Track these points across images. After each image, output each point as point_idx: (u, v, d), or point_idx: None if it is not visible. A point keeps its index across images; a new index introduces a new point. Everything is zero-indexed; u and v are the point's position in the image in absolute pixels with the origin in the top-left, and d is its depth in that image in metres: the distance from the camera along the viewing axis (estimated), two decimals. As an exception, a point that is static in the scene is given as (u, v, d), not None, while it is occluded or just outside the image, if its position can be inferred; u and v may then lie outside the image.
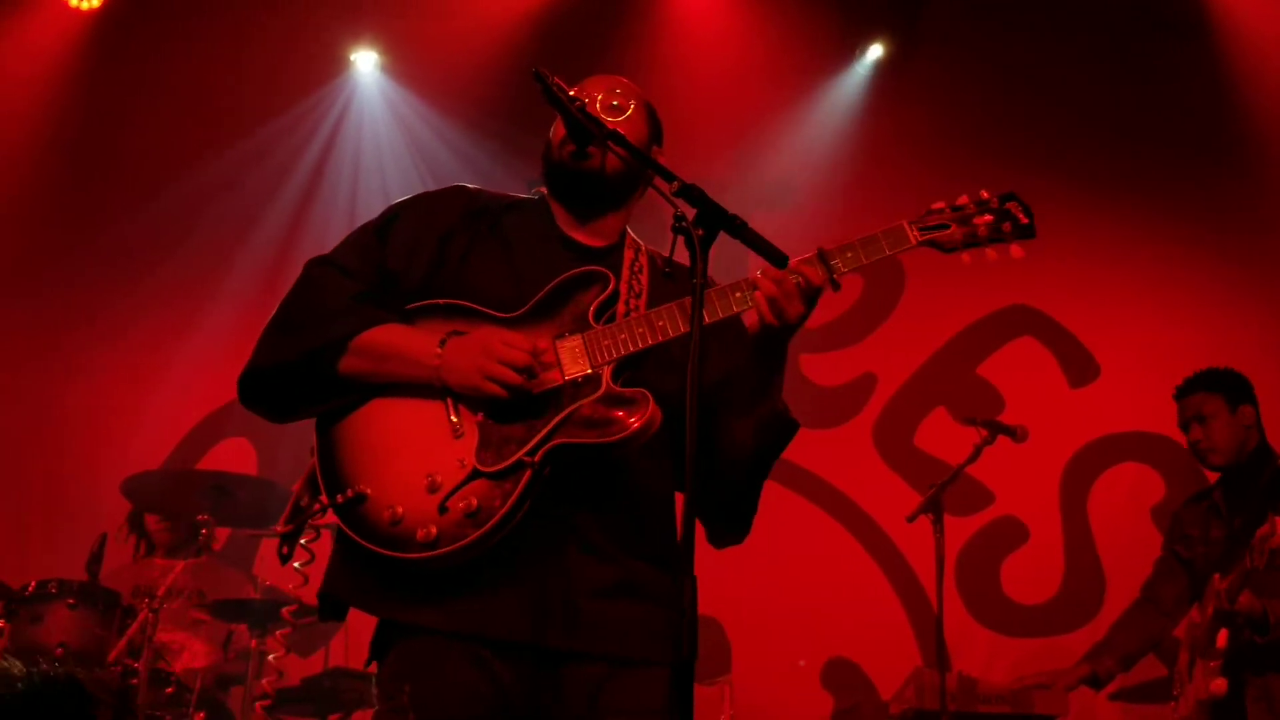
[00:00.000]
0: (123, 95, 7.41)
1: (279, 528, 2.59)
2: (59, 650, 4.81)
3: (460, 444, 2.46)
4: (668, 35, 7.26)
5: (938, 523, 4.97)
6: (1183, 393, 5.11)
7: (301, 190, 7.42)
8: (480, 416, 2.47)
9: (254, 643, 5.31)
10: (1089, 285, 6.91)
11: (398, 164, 7.49)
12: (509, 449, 2.43)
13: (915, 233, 2.63)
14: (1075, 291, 6.92)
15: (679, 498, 2.66)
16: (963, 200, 2.65)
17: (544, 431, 2.43)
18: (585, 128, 2.52)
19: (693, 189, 2.28)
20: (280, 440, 6.95)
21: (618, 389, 2.46)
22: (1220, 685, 4.41)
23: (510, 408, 2.46)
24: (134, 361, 7.23)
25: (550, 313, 2.57)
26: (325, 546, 2.64)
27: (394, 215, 2.77)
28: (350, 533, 2.47)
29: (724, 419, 2.59)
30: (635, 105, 2.78)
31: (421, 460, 2.46)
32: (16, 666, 1.43)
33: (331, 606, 2.60)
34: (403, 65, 7.57)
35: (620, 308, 2.57)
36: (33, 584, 5.00)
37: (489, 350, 2.46)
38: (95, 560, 5.04)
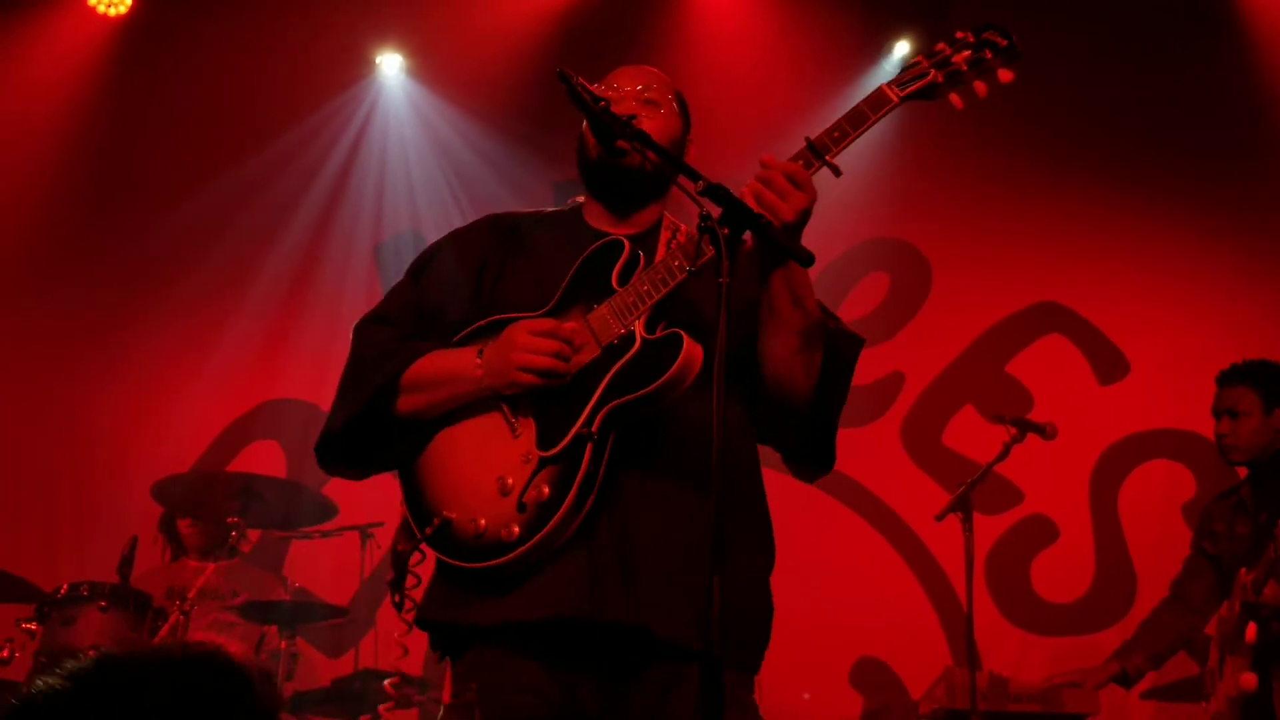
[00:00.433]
0: (149, 101, 7.44)
1: (386, 580, 2.64)
2: (91, 653, 4.82)
3: (521, 441, 2.49)
4: (692, 35, 7.25)
5: (967, 521, 4.95)
6: (1226, 379, 5.06)
7: (327, 194, 7.44)
8: (535, 410, 2.49)
9: (284, 644, 5.34)
10: (1117, 282, 6.87)
11: (423, 166, 7.50)
12: (566, 428, 2.44)
13: (896, 90, 2.54)
14: (1104, 288, 6.88)
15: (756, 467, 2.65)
16: (939, 46, 2.58)
17: (593, 401, 2.44)
18: (610, 128, 2.52)
19: (718, 188, 2.27)
20: (309, 443, 6.98)
21: (651, 338, 2.46)
22: (1249, 680, 4.39)
23: (559, 392, 2.47)
24: (164, 366, 7.27)
25: (578, 295, 2.58)
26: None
27: (429, 256, 2.83)
28: (446, 559, 2.50)
29: (764, 345, 2.55)
30: (669, 99, 2.78)
31: (491, 468, 2.49)
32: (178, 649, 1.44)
33: (438, 637, 2.59)
34: (427, 67, 7.58)
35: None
36: (64, 587, 5.03)
37: (515, 343, 2.49)
38: (126, 563, 5.07)
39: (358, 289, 7.35)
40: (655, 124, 2.66)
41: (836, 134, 2.49)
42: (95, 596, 4.95)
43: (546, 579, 2.41)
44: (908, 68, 2.56)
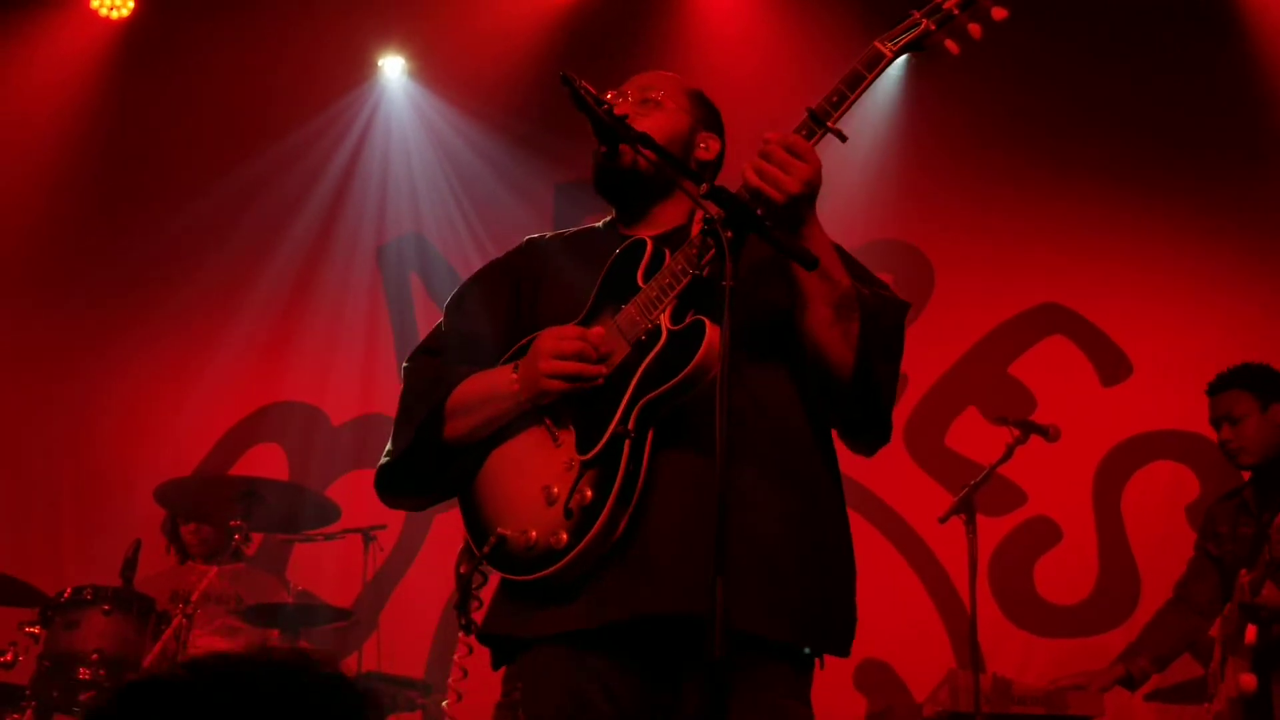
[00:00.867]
0: (152, 103, 7.45)
1: (453, 604, 2.64)
2: (94, 656, 4.84)
3: (563, 449, 2.50)
4: (693, 37, 7.25)
5: (970, 523, 4.95)
6: (1215, 389, 5.07)
7: (330, 196, 7.44)
8: (573, 416, 2.50)
9: (287, 647, 5.33)
10: (1120, 283, 6.86)
11: (425, 168, 7.50)
12: (602, 430, 2.44)
13: (888, 45, 2.52)
14: (1106, 289, 6.87)
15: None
16: None
17: (626, 399, 2.43)
18: (612, 130, 2.53)
19: (721, 190, 2.27)
20: (311, 446, 6.99)
21: (676, 329, 2.44)
22: (1249, 681, 4.39)
23: (594, 396, 2.48)
24: (166, 369, 7.27)
25: (607, 299, 2.58)
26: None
27: (465, 288, 2.86)
28: (504, 575, 2.51)
29: (799, 322, 2.53)
30: (673, 98, 2.78)
31: (536, 480, 2.50)
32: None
33: (499, 650, 2.60)
34: (430, 70, 7.59)
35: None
36: (68, 590, 5.03)
37: (541, 351, 2.50)
38: (129, 566, 5.07)
39: (360, 291, 7.36)
40: (649, 123, 2.65)
41: (835, 98, 2.48)
42: (98, 600, 4.95)
43: (606, 584, 2.41)
44: (899, 22, 2.54)
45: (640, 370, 2.45)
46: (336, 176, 7.47)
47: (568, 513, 2.43)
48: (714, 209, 2.27)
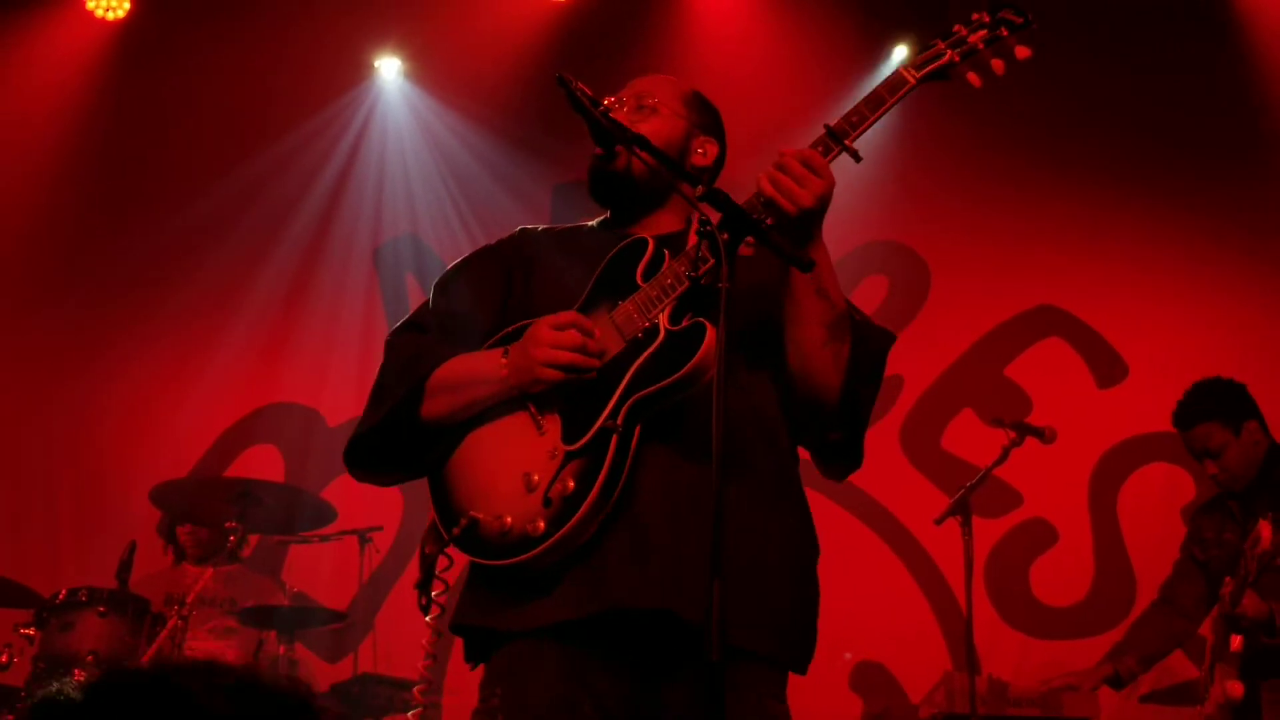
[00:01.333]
0: (148, 105, 7.44)
1: (415, 584, 2.63)
2: (89, 658, 4.84)
3: (547, 438, 2.48)
4: (691, 38, 7.25)
5: (966, 525, 4.95)
6: (1182, 424, 5.10)
7: (326, 198, 7.44)
8: (560, 406, 2.49)
9: (283, 649, 5.33)
10: (1116, 285, 6.86)
11: (422, 169, 7.50)
12: (590, 422, 2.43)
13: (912, 73, 2.57)
14: (1103, 291, 6.88)
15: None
16: (955, 28, 2.60)
17: (618, 393, 2.43)
18: (608, 132, 2.53)
19: (718, 193, 2.27)
20: (307, 447, 6.99)
21: (676, 330, 2.45)
22: (1236, 689, 4.41)
23: (585, 388, 2.47)
24: (162, 370, 7.26)
25: (603, 295, 2.58)
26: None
27: (459, 268, 2.84)
28: (473, 559, 2.48)
29: (788, 337, 2.54)
30: (668, 102, 2.78)
31: (516, 465, 2.48)
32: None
33: (471, 643, 2.59)
34: (426, 71, 7.58)
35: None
36: (63, 592, 5.02)
37: (538, 339, 2.48)
38: (125, 568, 5.06)
39: (356, 293, 7.35)
40: (644, 129, 2.64)
41: (854, 118, 2.51)
42: (94, 602, 4.94)
43: (581, 577, 2.40)
44: (924, 49, 2.58)
45: (635, 367, 2.45)
46: (333, 178, 7.47)
47: (547, 501, 2.41)
48: (708, 211, 2.28)
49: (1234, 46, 6.85)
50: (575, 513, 2.37)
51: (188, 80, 7.37)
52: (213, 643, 5.45)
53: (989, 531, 6.40)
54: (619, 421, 2.41)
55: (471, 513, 2.48)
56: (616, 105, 2.71)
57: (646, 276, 2.54)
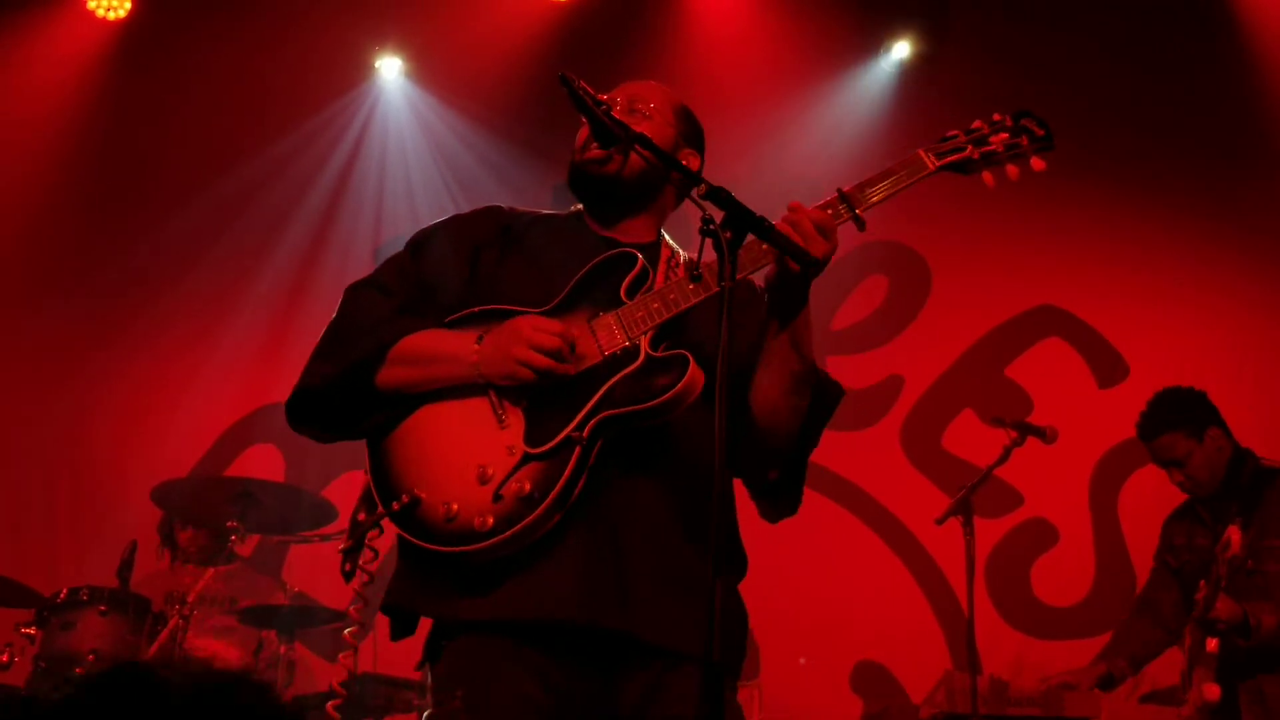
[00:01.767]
0: (148, 104, 7.44)
1: (341, 546, 2.61)
2: (90, 657, 4.84)
3: (507, 432, 2.48)
4: (691, 36, 7.25)
5: (967, 525, 4.95)
6: (1146, 435, 5.16)
7: (327, 197, 7.44)
8: (525, 404, 2.49)
9: (283, 649, 5.32)
10: (1117, 285, 6.87)
11: (422, 169, 7.50)
12: (556, 429, 2.44)
13: (932, 159, 2.61)
14: (1103, 291, 6.88)
15: (737, 485, 2.68)
16: (976, 124, 2.66)
17: (588, 407, 2.44)
18: (611, 131, 2.53)
19: (721, 191, 2.28)
20: (308, 447, 6.96)
21: (657, 355, 2.47)
22: (1213, 691, 4.47)
23: (553, 391, 2.47)
24: (162, 370, 7.26)
25: (582, 299, 2.59)
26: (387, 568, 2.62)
27: (429, 234, 2.81)
28: (409, 538, 2.47)
29: (756, 380, 2.58)
30: (661, 110, 2.80)
31: (471, 454, 2.47)
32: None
33: (399, 621, 2.59)
34: (427, 71, 7.59)
35: (657, 288, 2.57)
36: (64, 591, 5.03)
37: (519, 336, 2.48)
38: (126, 567, 5.07)
39: (357, 292, 7.34)
40: (643, 132, 2.64)
41: (869, 190, 2.56)
42: (94, 601, 4.95)
43: (537, 580, 2.41)
44: (945, 139, 2.63)
45: (609, 383, 2.46)
46: (333, 177, 7.47)
47: (497, 497, 2.41)
48: (700, 209, 2.30)
49: (1234, 46, 6.85)
50: (527, 516, 2.38)
51: (188, 80, 7.37)
52: (213, 642, 5.45)
53: (990, 531, 6.40)
54: (584, 434, 2.42)
55: (416, 491, 2.47)
56: (609, 105, 2.72)
57: (630, 292, 2.55)
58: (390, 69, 7.56)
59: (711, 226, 2.25)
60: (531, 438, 2.45)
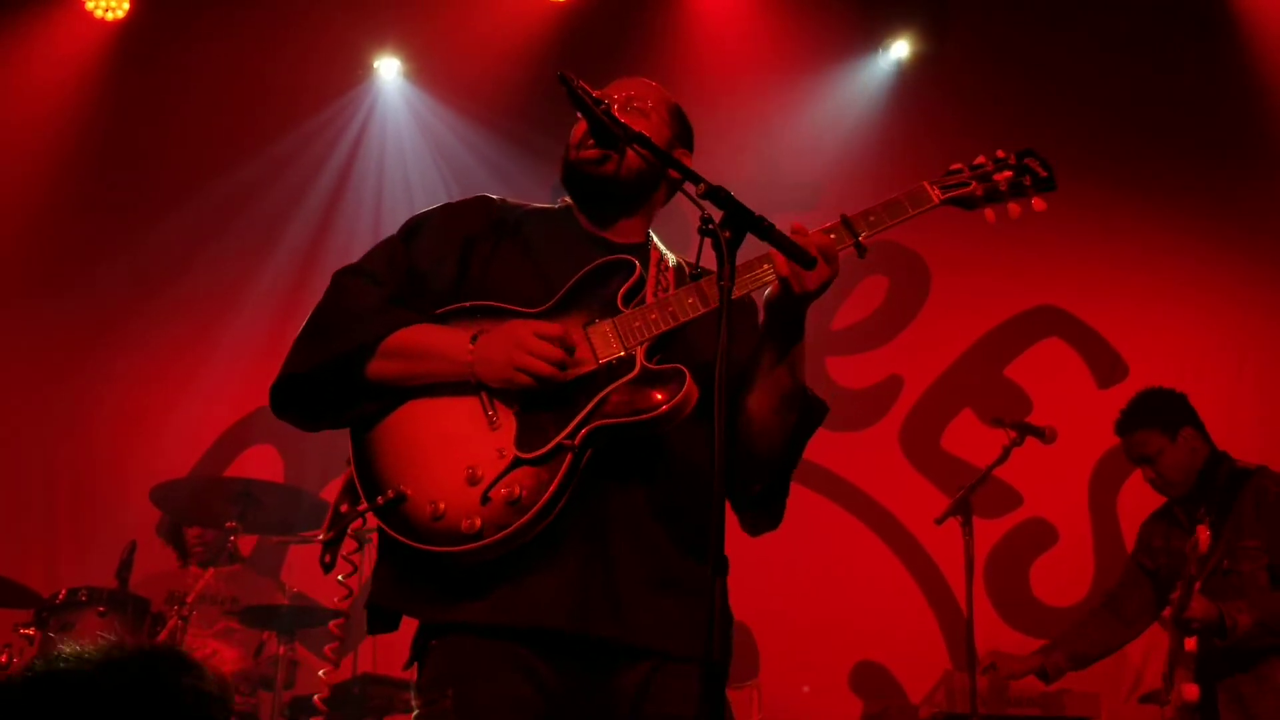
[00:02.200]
0: (147, 104, 7.44)
1: (321, 536, 2.58)
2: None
3: (498, 435, 2.46)
4: (690, 36, 7.25)
5: (966, 525, 4.95)
6: (1122, 431, 5.19)
7: (326, 196, 7.44)
8: (517, 407, 2.47)
9: (282, 649, 5.32)
10: (1116, 285, 6.87)
11: (421, 169, 7.50)
12: (548, 435, 2.43)
13: (937, 191, 2.66)
14: (1102, 292, 6.88)
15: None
16: (980, 160, 2.71)
17: (582, 415, 2.43)
18: (610, 130, 2.52)
19: (719, 191, 2.27)
20: (307, 447, 6.97)
21: (653, 367, 2.46)
22: (1192, 691, 4.49)
23: (547, 396, 2.46)
24: (161, 369, 7.26)
25: (578, 303, 2.57)
26: (370, 559, 2.62)
27: (420, 223, 2.80)
28: (393, 534, 2.45)
29: (746, 396, 2.59)
30: (658, 108, 2.79)
31: (460, 454, 2.45)
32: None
33: (379, 617, 2.59)
34: (426, 71, 7.59)
35: (649, 295, 2.57)
36: (63, 592, 5.03)
37: (519, 341, 2.46)
38: (125, 568, 5.06)
39: (356, 292, 7.34)
40: (641, 130, 2.64)
41: (873, 219, 2.57)
42: (93, 602, 4.95)
43: (528, 586, 2.41)
44: (950, 173, 2.68)
45: (604, 393, 2.45)
46: (332, 177, 7.47)
47: (486, 499, 2.39)
48: (694, 209, 2.30)
49: (1234, 46, 6.85)
50: (516, 521, 2.37)
51: (187, 80, 7.37)
52: (213, 642, 5.45)
53: (989, 531, 6.40)
54: (576, 442, 2.41)
55: (401, 487, 2.46)
56: (609, 105, 2.71)
57: (627, 300, 2.54)
58: (389, 69, 7.56)
59: (710, 226, 2.24)
60: (523, 442, 2.44)
